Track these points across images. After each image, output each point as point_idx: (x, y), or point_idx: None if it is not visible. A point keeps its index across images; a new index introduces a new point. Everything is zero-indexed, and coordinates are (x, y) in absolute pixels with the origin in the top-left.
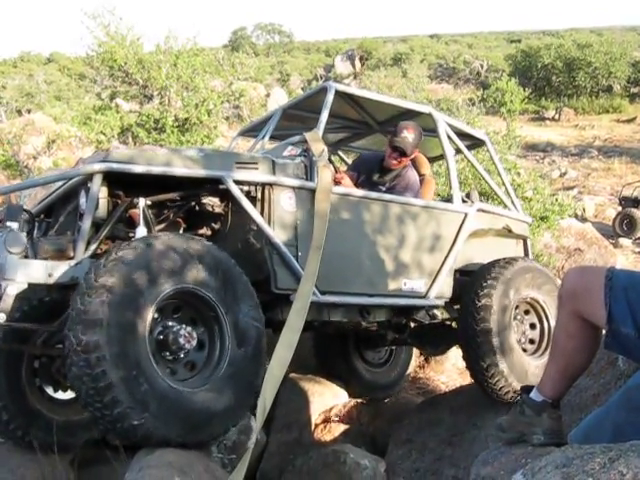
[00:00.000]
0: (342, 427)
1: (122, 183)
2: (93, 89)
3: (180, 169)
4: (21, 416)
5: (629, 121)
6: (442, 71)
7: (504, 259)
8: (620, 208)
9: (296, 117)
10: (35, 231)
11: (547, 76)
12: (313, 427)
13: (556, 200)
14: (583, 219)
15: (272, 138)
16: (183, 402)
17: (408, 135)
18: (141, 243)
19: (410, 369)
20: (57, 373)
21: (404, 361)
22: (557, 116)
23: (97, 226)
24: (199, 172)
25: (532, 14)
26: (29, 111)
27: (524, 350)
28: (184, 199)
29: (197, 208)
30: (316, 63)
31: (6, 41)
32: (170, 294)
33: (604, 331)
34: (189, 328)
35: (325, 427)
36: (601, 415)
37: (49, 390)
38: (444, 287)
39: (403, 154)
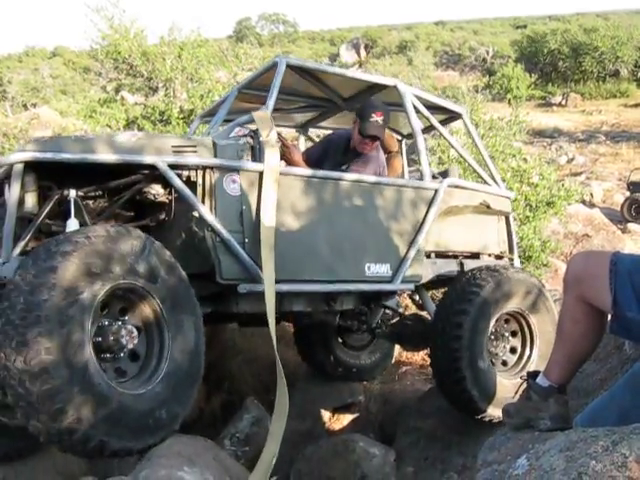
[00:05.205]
0: (351, 415)
1: (54, 174)
2: (98, 82)
3: (107, 155)
4: None
5: (637, 105)
6: (448, 58)
7: (478, 272)
8: (628, 193)
9: (253, 97)
10: None
11: (553, 61)
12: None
13: (562, 185)
14: (591, 205)
15: (228, 121)
16: (138, 408)
17: (378, 119)
18: (64, 240)
19: (417, 357)
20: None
21: (387, 345)
22: (564, 102)
23: (30, 221)
24: (129, 158)
25: None
26: (35, 105)
27: (504, 364)
28: (122, 188)
29: (139, 198)
30: (321, 52)
31: (11, 36)
32: (104, 295)
33: (610, 316)
34: (129, 325)
35: (333, 416)
36: (607, 399)
37: None
38: (413, 270)
39: (375, 139)
